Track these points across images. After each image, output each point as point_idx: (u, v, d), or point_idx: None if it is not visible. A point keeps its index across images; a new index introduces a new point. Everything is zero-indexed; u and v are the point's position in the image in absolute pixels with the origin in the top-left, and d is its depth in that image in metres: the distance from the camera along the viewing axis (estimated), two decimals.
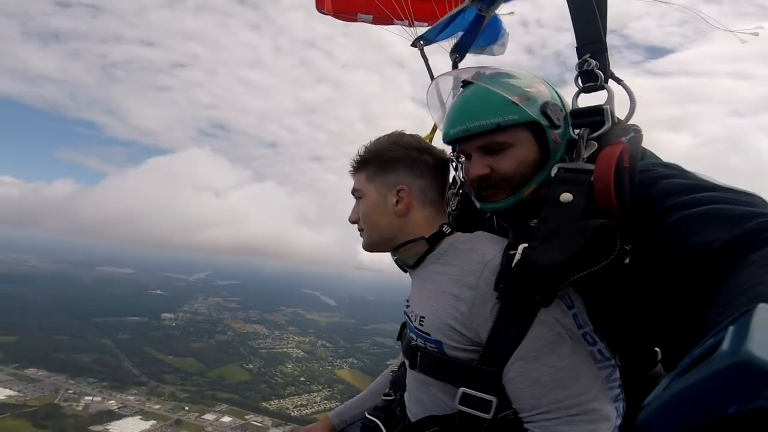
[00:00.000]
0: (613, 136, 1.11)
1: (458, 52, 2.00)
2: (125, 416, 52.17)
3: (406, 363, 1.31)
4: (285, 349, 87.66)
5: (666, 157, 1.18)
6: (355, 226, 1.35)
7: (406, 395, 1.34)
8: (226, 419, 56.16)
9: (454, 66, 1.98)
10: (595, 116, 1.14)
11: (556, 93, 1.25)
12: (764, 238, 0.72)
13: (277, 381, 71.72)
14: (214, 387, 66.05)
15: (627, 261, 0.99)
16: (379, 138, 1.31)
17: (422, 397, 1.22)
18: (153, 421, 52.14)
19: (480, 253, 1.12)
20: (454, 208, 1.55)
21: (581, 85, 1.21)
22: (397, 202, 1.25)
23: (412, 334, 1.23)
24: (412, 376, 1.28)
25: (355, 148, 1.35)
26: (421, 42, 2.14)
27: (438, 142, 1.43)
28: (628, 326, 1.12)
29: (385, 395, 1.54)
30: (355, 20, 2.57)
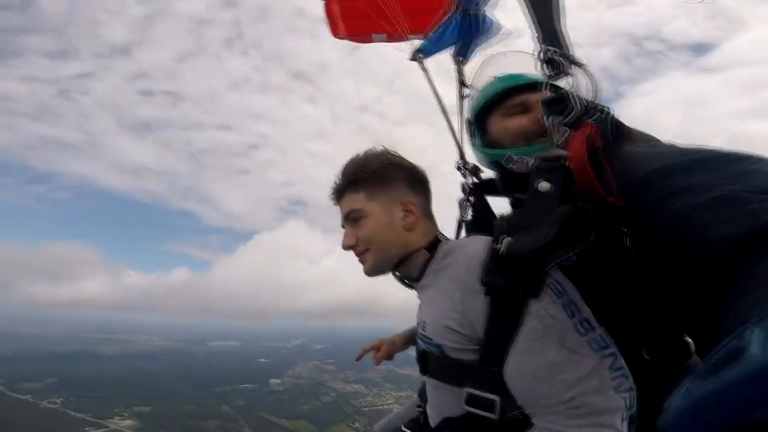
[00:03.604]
0: (582, 120, 1.09)
1: (461, 56, 1.96)
2: None
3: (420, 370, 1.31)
4: (385, 405, 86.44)
5: None
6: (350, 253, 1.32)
7: (428, 404, 1.35)
8: None
9: (459, 70, 1.94)
10: (562, 103, 1.12)
11: None
12: None
13: None
14: None
15: (628, 244, 0.95)
16: (363, 157, 1.32)
17: (437, 402, 1.23)
18: None
19: (471, 249, 1.13)
20: (467, 216, 1.64)
21: (547, 73, 1.19)
22: (404, 216, 1.27)
23: (419, 341, 1.24)
24: (428, 383, 1.28)
25: None
26: (420, 55, 2.00)
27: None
28: (645, 315, 1.06)
29: (418, 406, 1.58)
30: (371, 41, 2.45)
